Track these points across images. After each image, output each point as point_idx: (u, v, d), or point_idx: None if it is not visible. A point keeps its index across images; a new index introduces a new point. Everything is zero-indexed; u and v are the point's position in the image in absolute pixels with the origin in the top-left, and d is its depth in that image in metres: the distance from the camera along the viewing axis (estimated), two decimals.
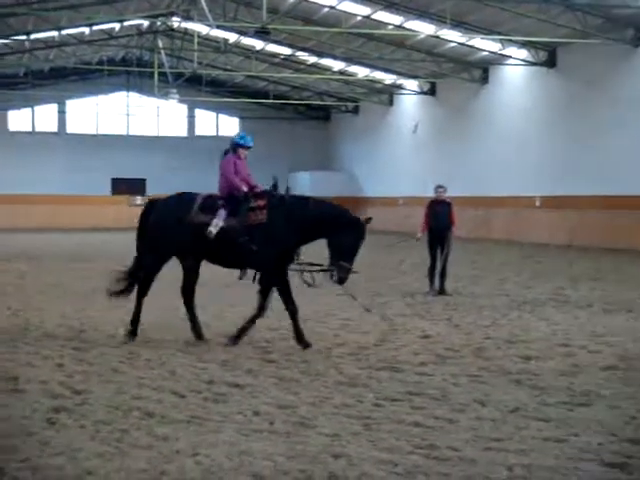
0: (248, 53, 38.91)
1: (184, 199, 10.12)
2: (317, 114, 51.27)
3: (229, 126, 51.01)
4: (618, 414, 6.58)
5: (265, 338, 10.08)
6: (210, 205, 9.83)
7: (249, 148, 10.56)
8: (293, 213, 9.59)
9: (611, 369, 8.29)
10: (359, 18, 30.86)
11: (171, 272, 10.60)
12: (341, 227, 9.37)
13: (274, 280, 9.65)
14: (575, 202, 28.94)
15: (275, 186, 42.26)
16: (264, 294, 9.70)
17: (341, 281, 9.53)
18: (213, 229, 9.58)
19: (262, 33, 26.78)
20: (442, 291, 14.74)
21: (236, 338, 9.66)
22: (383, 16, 30.40)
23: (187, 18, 34.00)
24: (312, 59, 39.31)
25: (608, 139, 27.58)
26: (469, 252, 20.50)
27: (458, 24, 28.58)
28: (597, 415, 6.55)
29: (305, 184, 48.58)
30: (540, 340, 9.99)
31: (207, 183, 48.43)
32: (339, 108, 48.84)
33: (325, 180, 47.77)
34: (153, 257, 10.07)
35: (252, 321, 9.71)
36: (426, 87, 39.60)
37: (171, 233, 9.81)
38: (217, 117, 50.69)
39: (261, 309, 9.67)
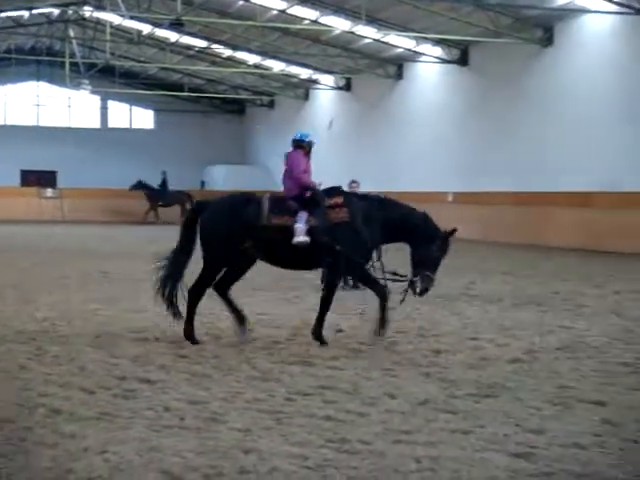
0: (162, 45, 38.47)
1: (247, 201, 9.52)
2: (232, 108, 51.03)
3: (143, 118, 50.36)
4: (523, 405, 6.74)
5: (178, 333, 9.97)
6: (281, 207, 9.43)
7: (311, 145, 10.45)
8: (373, 212, 9.39)
9: (518, 362, 8.49)
10: (274, 12, 30.83)
11: (77, 266, 10.41)
12: (426, 238, 9.34)
13: (338, 280, 9.62)
14: (487, 198, 29.53)
15: (164, 181, 41.92)
16: (369, 281, 9.48)
17: (423, 292, 9.45)
18: (302, 237, 9.11)
19: (176, 25, 26.52)
20: (356, 286, 14.84)
21: (380, 330, 9.31)
22: (299, 11, 30.45)
23: (99, 7, 33.37)
24: (227, 52, 39.10)
25: (518, 136, 28.25)
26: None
27: (373, 20, 28.84)
28: (503, 407, 6.69)
29: (220, 178, 48.30)
30: (450, 334, 10.16)
31: (120, 176, 47.85)
32: (254, 102, 48.70)
33: (240, 174, 47.59)
34: (215, 265, 9.47)
35: (383, 311, 9.35)
36: (341, 82, 39.83)
37: (239, 238, 9.22)
38: (130, 109, 49.95)
39: (380, 292, 9.36)
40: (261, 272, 17.49)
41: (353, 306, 12.55)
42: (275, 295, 13.78)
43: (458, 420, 6.31)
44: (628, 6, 23.20)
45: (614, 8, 23.57)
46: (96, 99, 48.97)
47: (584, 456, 5.44)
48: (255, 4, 30.07)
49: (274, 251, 9.42)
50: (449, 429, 6.06)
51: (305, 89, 43.41)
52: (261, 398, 6.92)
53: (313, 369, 8.09)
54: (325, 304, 9.46)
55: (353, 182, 15.52)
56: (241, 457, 5.37)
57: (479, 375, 7.85)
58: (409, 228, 9.38)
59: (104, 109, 49.55)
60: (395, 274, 9.67)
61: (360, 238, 9.22)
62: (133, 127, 50.11)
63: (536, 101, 27.52)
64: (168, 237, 24.90)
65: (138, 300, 12.83)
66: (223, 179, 47.82)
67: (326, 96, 41.85)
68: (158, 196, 41.65)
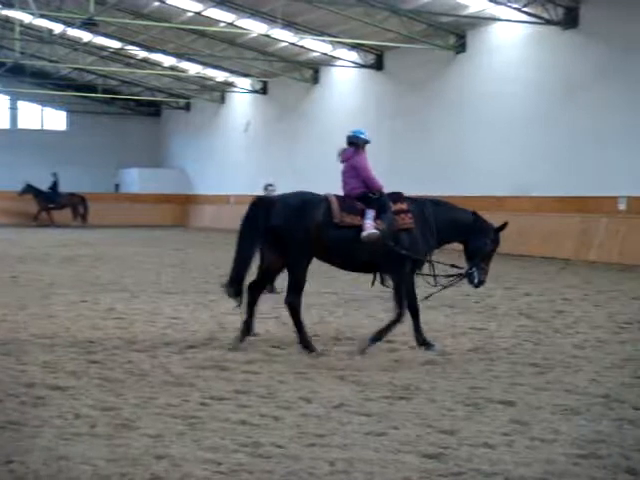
0: (75, 45, 37.71)
1: (317, 199, 9.54)
2: (148, 110, 50.36)
3: (55, 120, 49.28)
4: (436, 407, 6.83)
5: (89, 338, 9.79)
6: (350, 206, 9.46)
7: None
8: (431, 217, 9.59)
9: (431, 364, 8.60)
10: (190, 14, 30.60)
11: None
12: (480, 233, 9.76)
13: (406, 284, 9.55)
14: None
15: (55, 183, 41.26)
16: (401, 298, 9.47)
17: (481, 283, 9.86)
18: (371, 229, 9.15)
19: (89, 25, 26.04)
20: (271, 289, 14.83)
21: (374, 340, 9.25)
22: (215, 13, 30.28)
23: (7, 5, 32.52)
24: (142, 54, 38.58)
25: (432, 141, 28.69)
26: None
27: (289, 24, 28.89)
28: (416, 408, 6.77)
29: (134, 181, 47.69)
30: (365, 337, 10.20)
31: (31, 177, 46.35)
32: (170, 104, 48.20)
33: (155, 177, 47.07)
34: (301, 263, 9.21)
35: (389, 328, 9.36)
36: (258, 86, 39.76)
37: (312, 237, 9.11)
38: (42, 110, 48.80)
39: (400, 314, 9.39)
40: (176, 275, 17.38)
41: (268, 310, 12.52)
42: (190, 299, 13.64)
43: (372, 422, 6.35)
44: (537, 16, 23.81)
45: (524, 17, 24.16)
46: (5, 99, 47.70)
47: (493, 455, 5.54)
48: (170, 5, 29.78)
49: (340, 250, 9.38)
50: (363, 431, 6.10)
51: (221, 92, 43.18)
52: (174, 403, 6.83)
53: (228, 373, 8.04)
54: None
55: (269, 185, 15.48)
56: (153, 463, 5.29)
57: (393, 377, 7.92)
58: (463, 227, 9.78)
59: (14, 109, 48.27)
60: (454, 266, 10.12)
61: (422, 243, 9.54)
62: (45, 128, 48.98)
63: (450, 106, 28.00)
64: (76, 240, 24.32)
65: (48, 305, 12.55)
66: (138, 182, 47.21)
67: (242, 99, 41.72)
68: (48, 199, 40.94)
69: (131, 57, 39.97)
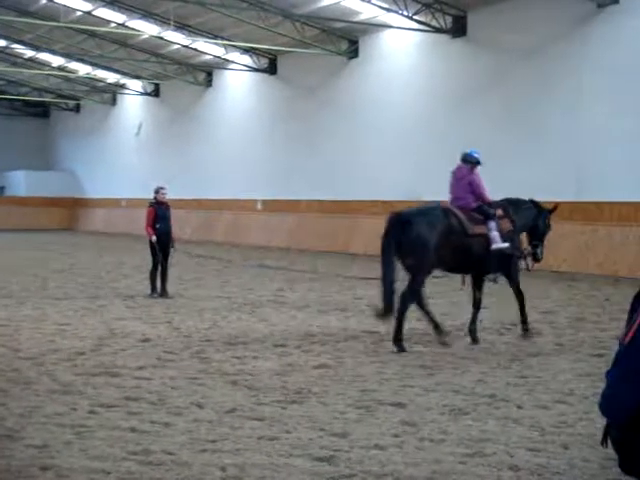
0: None
1: (445, 211, 10.40)
2: (35, 111, 49.02)
3: None
4: (328, 410, 6.87)
5: None
6: (471, 218, 10.44)
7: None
8: (515, 217, 10.99)
9: (323, 367, 8.65)
10: (79, 13, 29.94)
11: None
12: (540, 218, 11.29)
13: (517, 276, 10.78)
14: (295, 206, 30.00)
15: None
16: (518, 286, 10.66)
17: (541, 257, 11.20)
18: (501, 243, 10.37)
19: None
20: (164, 293, 14.68)
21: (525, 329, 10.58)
22: (105, 13, 29.73)
23: None
24: (29, 53, 37.51)
25: (325, 146, 28.92)
26: (192, 254, 20.61)
27: (182, 26, 28.63)
28: (308, 412, 6.80)
29: (20, 183, 46.33)
30: (258, 341, 10.21)
31: None
32: (59, 105, 47.03)
33: (42, 180, 45.86)
34: (425, 271, 10.13)
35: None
36: (150, 88, 39.25)
37: (450, 246, 10.05)
38: None
39: (523, 297, 10.67)
40: (65, 280, 16.96)
41: (159, 315, 12.37)
42: (79, 304, 13.34)
43: (264, 427, 6.34)
44: (426, 24, 24.31)
45: (415, 25, 24.62)
46: None
47: (383, 456, 5.62)
48: (59, 4, 29.05)
49: (467, 256, 10.35)
50: (255, 436, 6.08)
51: (112, 94, 42.42)
52: (61, 412, 6.66)
53: (118, 380, 7.89)
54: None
55: (161, 188, 15.27)
56: (38, 475, 5.14)
57: (285, 381, 7.93)
58: (531, 218, 11.21)
59: None
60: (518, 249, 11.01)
61: (517, 241, 10.87)
62: None
63: (342, 111, 28.27)
64: None
65: None
66: (25, 185, 45.88)
67: (134, 101, 41.09)
68: None
69: (17, 56, 38.81)
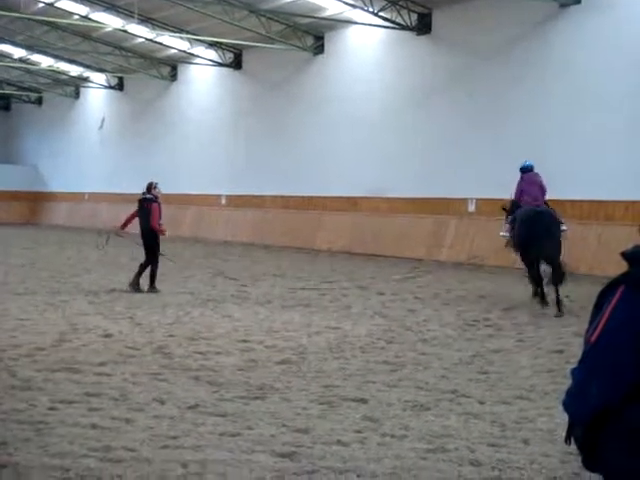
0: None
1: (550, 209, 13.67)
2: None
3: None
4: (290, 406, 6.87)
5: None
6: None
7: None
8: None
9: (286, 363, 8.64)
10: (41, 5, 29.59)
11: None
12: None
13: None
14: (258, 201, 29.95)
15: None
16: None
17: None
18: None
19: None
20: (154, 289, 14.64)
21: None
22: (68, 5, 29.41)
23: None
24: None
25: (289, 142, 28.88)
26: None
27: (146, 20, 28.39)
28: (271, 407, 6.79)
29: None
30: (221, 337, 10.18)
31: None
32: (21, 98, 46.44)
33: (4, 173, 45.24)
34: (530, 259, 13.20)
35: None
36: (114, 81, 38.90)
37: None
38: None
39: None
40: (26, 275, 16.77)
41: (122, 310, 12.29)
42: (41, 299, 13.19)
43: (227, 423, 6.32)
44: (392, 21, 24.37)
45: (380, 22, 24.67)
46: None
47: (345, 452, 5.63)
48: None
49: (554, 249, 12.78)
50: (217, 432, 6.06)
51: (75, 87, 41.97)
52: (20, 408, 6.58)
53: (79, 376, 7.82)
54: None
55: (157, 184, 15.17)
56: None
57: (248, 377, 7.92)
58: None
59: None
60: None
61: None
62: None
63: (307, 107, 28.24)
64: None
65: None
66: None
67: (98, 95, 40.71)
68: None
69: None
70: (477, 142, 22.58)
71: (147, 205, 14.67)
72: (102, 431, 6.02)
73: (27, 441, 5.73)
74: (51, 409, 6.61)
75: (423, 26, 24.13)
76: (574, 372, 2.42)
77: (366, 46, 26.20)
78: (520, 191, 13.83)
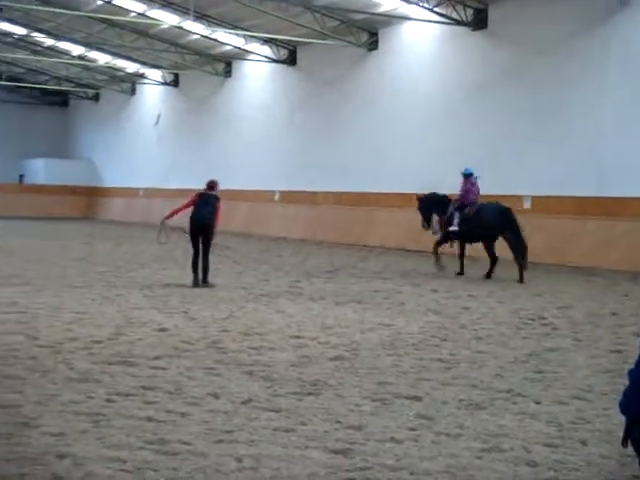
0: None
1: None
2: (54, 99, 49.23)
3: None
4: (344, 402, 6.85)
5: None
6: None
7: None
8: None
9: (339, 359, 8.63)
10: (100, 3, 30.02)
11: None
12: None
13: None
14: (312, 197, 29.98)
15: None
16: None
17: None
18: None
19: None
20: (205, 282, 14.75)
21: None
22: (125, 3, 29.78)
23: None
24: (49, 41, 37.64)
25: (343, 137, 28.86)
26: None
27: (202, 16, 28.61)
28: (324, 404, 6.78)
29: (39, 171, 46.58)
30: (274, 332, 10.20)
31: None
32: (78, 94, 47.18)
33: (61, 168, 46.07)
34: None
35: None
36: (169, 78, 39.30)
37: None
38: None
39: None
40: (83, 269, 17.03)
41: (176, 305, 12.40)
42: (97, 292, 13.38)
43: (280, 418, 6.33)
44: (447, 17, 24.19)
45: (435, 17, 24.51)
46: None
47: (399, 450, 5.59)
48: None
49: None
50: (271, 427, 6.07)
51: (132, 83, 42.51)
52: (78, 400, 6.67)
53: (135, 369, 7.90)
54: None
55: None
56: (54, 462, 5.15)
57: (302, 373, 7.92)
58: None
59: None
60: None
61: None
62: None
63: (361, 103, 28.20)
64: None
65: None
66: (44, 173, 46.11)
67: (153, 91, 41.16)
68: None
69: (38, 44, 38.95)
70: (533, 138, 22.31)
71: (214, 202, 14.84)
72: (158, 424, 6.07)
73: (85, 432, 5.81)
74: (108, 401, 6.69)
75: (479, 21, 23.92)
76: (631, 373, 2.36)
77: (421, 42, 26.05)
78: (466, 190, 17.66)
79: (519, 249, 16.57)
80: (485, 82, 23.80)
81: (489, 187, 23.49)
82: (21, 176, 48.13)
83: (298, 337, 9.89)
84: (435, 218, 18.15)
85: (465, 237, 17.59)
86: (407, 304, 13.11)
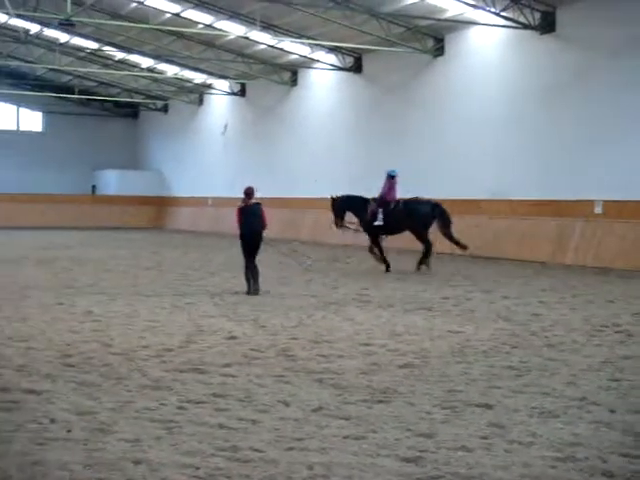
0: (52, 45, 37.45)
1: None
2: (125, 111, 50.17)
3: (31, 120, 48.92)
4: (414, 410, 6.82)
5: (65, 341, 9.72)
6: None
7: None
8: None
9: (409, 367, 8.59)
10: (168, 15, 30.50)
11: None
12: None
13: None
14: None
15: None
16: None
17: None
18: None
19: (66, 25, 25.83)
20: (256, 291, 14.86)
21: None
22: (193, 14, 30.20)
23: None
24: (120, 55, 38.41)
25: (409, 144, 28.75)
26: (279, 253, 20.77)
27: (268, 26, 28.85)
28: (395, 411, 6.76)
29: (111, 183, 47.49)
30: (343, 340, 10.21)
31: (6, 179, 46.40)
32: (148, 106, 48.01)
33: (131, 179, 46.93)
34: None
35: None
36: (236, 88, 39.70)
37: None
38: (18, 110, 48.44)
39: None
40: (153, 278, 17.30)
41: (246, 312, 12.50)
42: (168, 301, 13.57)
43: (351, 426, 6.33)
44: (514, 21, 23.93)
45: (502, 22, 24.28)
46: None
47: (471, 458, 5.54)
48: (148, 7, 29.65)
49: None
50: (342, 435, 6.08)
51: (199, 94, 43.07)
52: (152, 407, 6.79)
53: (206, 377, 7.99)
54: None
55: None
56: (130, 468, 5.25)
57: (371, 380, 7.91)
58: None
59: None
60: None
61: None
62: (21, 129, 48.63)
63: (427, 109, 28.07)
64: (52, 242, 23.99)
65: (23, 308, 12.45)
66: (115, 184, 47.01)
67: (221, 101, 41.63)
68: None
69: (108, 58, 39.77)
70: (604, 142, 21.90)
71: (259, 212, 15.00)
72: (229, 431, 6.14)
73: (159, 439, 5.90)
74: (180, 408, 6.78)
75: (547, 25, 23.60)
76: None
77: (488, 47, 25.82)
78: (388, 189, 20.15)
79: (451, 239, 19.37)
80: (554, 86, 23.46)
81: (558, 192, 23.22)
82: (93, 187, 49.14)
83: (367, 345, 9.88)
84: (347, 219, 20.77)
85: (389, 230, 19.89)
86: (477, 311, 12.99)
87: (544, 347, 9.86)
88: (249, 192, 15.26)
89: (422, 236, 19.48)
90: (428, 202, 19.84)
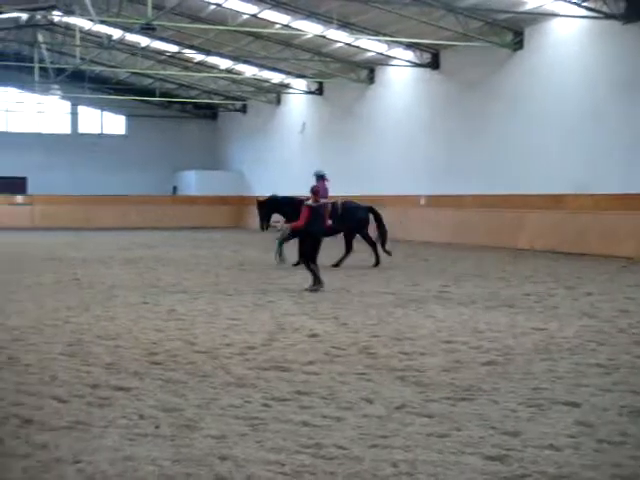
0: (133, 50, 38.25)
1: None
2: (204, 113, 50.90)
3: (114, 124, 50.05)
4: (498, 408, 6.75)
5: (151, 339, 9.92)
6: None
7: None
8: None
9: (492, 364, 8.50)
10: (246, 16, 30.81)
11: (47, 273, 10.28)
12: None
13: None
14: (459, 201, 29.67)
15: None
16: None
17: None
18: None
19: (147, 29, 26.35)
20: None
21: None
22: (270, 15, 30.45)
23: (68, 12, 33.14)
24: (199, 57, 38.99)
25: (489, 140, 28.41)
26: (360, 251, 20.79)
27: (344, 25, 28.90)
28: (479, 409, 6.70)
29: (191, 183, 48.24)
30: (425, 337, 10.17)
31: (90, 181, 47.70)
32: (227, 107, 48.60)
33: (212, 179, 47.55)
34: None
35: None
36: (313, 87, 39.84)
37: None
38: (102, 115, 49.64)
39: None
40: (234, 276, 17.51)
41: (326, 310, 12.54)
42: (249, 300, 13.72)
43: (434, 424, 6.30)
44: (597, 11, 23.41)
45: (583, 12, 23.78)
46: (66, 104, 48.65)
47: (559, 457, 5.46)
48: (227, 8, 30.01)
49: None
50: (425, 433, 6.05)
51: (277, 93, 43.39)
52: (236, 404, 6.87)
53: (289, 374, 8.05)
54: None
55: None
56: (217, 464, 5.32)
57: (454, 378, 7.85)
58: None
59: (74, 114, 49.21)
60: None
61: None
62: (104, 133, 49.80)
63: (507, 105, 27.69)
64: (136, 242, 24.53)
65: (110, 307, 12.74)
66: (195, 184, 47.73)
67: (298, 100, 41.86)
68: None
69: (188, 60, 40.40)
70: None
71: (323, 212, 15.33)
72: (313, 429, 6.17)
73: (244, 436, 5.97)
74: (264, 406, 6.85)
75: (631, 13, 22.97)
76: None
77: (569, 39, 25.31)
78: (323, 190, 18.99)
79: (383, 236, 20.17)
80: (638, 77, 22.86)
81: None
82: (174, 188, 50.00)
83: (449, 342, 9.82)
84: (275, 217, 21.21)
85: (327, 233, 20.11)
86: (560, 308, 12.77)
87: (632, 344, 9.64)
88: (317, 191, 15.43)
89: (364, 237, 20.58)
90: (365, 206, 20.80)
